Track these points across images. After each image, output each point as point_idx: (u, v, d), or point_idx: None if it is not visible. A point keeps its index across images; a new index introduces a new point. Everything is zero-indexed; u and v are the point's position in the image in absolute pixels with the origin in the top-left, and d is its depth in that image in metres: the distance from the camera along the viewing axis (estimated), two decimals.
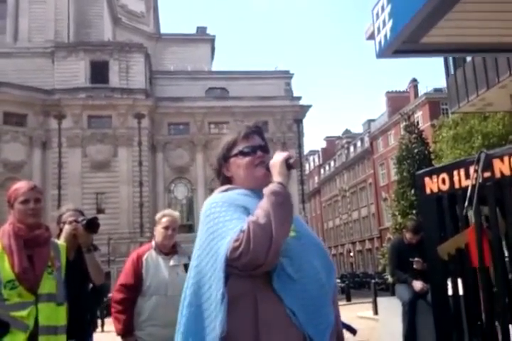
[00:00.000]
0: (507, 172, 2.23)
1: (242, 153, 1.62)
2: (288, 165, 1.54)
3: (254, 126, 1.68)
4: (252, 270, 1.39)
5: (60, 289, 2.59)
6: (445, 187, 2.54)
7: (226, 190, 1.59)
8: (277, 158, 1.56)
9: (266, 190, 1.48)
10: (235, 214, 1.47)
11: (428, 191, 2.63)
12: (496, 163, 2.28)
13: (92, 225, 3.03)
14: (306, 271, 1.47)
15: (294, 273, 1.45)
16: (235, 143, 1.65)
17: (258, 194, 1.55)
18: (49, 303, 2.50)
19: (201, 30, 49.05)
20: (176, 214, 3.64)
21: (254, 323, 1.39)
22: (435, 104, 37.65)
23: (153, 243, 3.52)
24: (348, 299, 21.13)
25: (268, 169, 1.57)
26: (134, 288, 3.33)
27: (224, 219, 1.46)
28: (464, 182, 2.42)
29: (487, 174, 2.32)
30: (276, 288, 1.43)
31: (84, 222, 3.03)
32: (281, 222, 1.40)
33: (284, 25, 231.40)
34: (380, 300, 8.72)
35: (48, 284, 2.53)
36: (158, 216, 3.58)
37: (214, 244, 1.44)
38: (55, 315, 2.52)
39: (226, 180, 1.66)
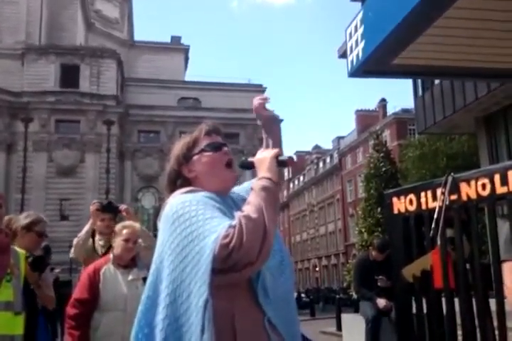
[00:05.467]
0: (473, 195, 2.29)
1: (206, 150, 1.52)
2: (279, 162, 1.45)
3: (215, 125, 1.60)
4: (242, 269, 1.26)
5: (17, 297, 2.51)
6: (412, 208, 2.58)
7: (189, 192, 1.44)
8: (266, 153, 1.47)
9: (255, 186, 1.37)
10: (215, 212, 1.33)
11: (395, 211, 2.67)
12: (463, 187, 2.33)
13: (38, 264, 2.89)
14: (279, 280, 1.44)
15: (272, 283, 1.40)
16: (197, 141, 1.56)
17: (223, 198, 1.46)
18: (6, 312, 2.42)
19: (176, 39, 48.99)
20: (137, 225, 3.49)
21: None
22: (403, 123, 38.54)
23: (111, 256, 3.38)
24: (312, 314, 21.13)
25: (242, 169, 1.51)
26: (89, 303, 3.17)
27: (204, 217, 1.31)
28: (431, 204, 2.46)
29: (453, 197, 2.37)
30: (260, 300, 1.36)
31: (30, 259, 2.87)
32: (272, 218, 1.30)
33: (259, 40, 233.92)
34: (344, 316, 8.77)
35: (6, 292, 2.45)
36: (118, 227, 3.43)
37: (194, 245, 1.28)
38: (11, 324, 2.45)
39: (185, 183, 1.51)
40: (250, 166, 1.50)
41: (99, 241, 4.02)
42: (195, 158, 1.53)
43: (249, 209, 1.30)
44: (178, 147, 1.58)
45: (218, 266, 1.24)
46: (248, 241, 1.23)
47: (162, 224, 1.41)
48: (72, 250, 3.98)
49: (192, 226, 1.31)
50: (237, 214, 1.30)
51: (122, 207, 4.12)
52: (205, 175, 1.50)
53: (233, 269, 1.26)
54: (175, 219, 1.36)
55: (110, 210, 3.99)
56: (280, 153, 1.47)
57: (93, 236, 3.99)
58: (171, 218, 1.37)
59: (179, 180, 1.53)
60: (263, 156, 1.46)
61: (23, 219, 3.14)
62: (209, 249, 1.24)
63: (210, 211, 1.33)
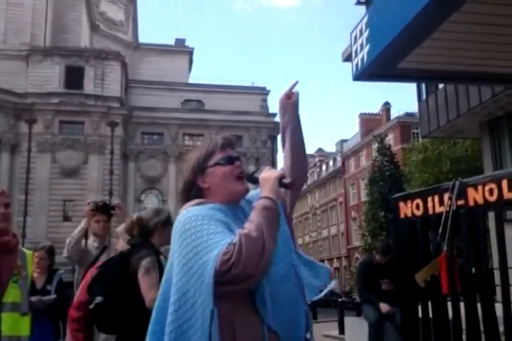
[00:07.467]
0: (480, 200, 2.29)
1: (220, 163, 1.61)
2: (281, 184, 1.54)
3: (230, 138, 1.70)
4: (242, 282, 1.37)
5: (24, 298, 2.53)
6: (419, 213, 2.59)
7: (197, 204, 1.55)
8: (271, 173, 1.56)
9: (257, 205, 1.47)
10: (218, 227, 1.44)
11: (402, 215, 2.68)
12: (470, 192, 2.34)
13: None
14: (283, 286, 1.49)
15: (273, 290, 1.46)
16: (213, 154, 1.64)
17: (232, 209, 1.55)
18: (13, 313, 2.43)
19: (180, 41, 49.08)
20: None
21: None
22: (406, 127, 38.47)
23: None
24: (314, 317, 21.10)
25: (252, 182, 1.58)
26: None
27: (208, 232, 1.43)
28: (438, 209, 2.47)
29: (461, 202, 2.37)
30: (259, 308, 1.44)
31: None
32: (272, 237, 1.41)
33: (263, 43, 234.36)
34: (347, 319, 8.76)
35: (13, 293, 2.46)
36: (120, 229, 3.44)
37: (198, 258, 1.40)
38: (18, 324, 2.46)
39: (199, 193, 1.62)
40: (256, 181, 1.60)
41: (93, 243, 4.00)
42: (209, 170, 1.62)
43: (249, 228, 1.40)
44: (193, 158, 1.67)
45: (219, 279, 1.35)
46: (246, 259, 1.34)
47: (173, 237, 1.54)
48: (65, 250, 3.93)
49: (197, 240, 1.43)
50: (238, 231, 1.40)
51: (115, 202, 4.10)
52: (216, 186, 1.61)
53: (233, 283, 1.36)
54: (182, 232, 1.48)
55: (105, 211, 3.97)
56: (284, 175, 1.56)
57: (86, 236, 3.96)
58: (179, 231, 1.49)
59: (194, 190, 1.64)
60: (268, 176, 1.56)
61: (155, 215, 2.91)
62: (212, 263, 1.36)
63: (214, 226, 1.45)
